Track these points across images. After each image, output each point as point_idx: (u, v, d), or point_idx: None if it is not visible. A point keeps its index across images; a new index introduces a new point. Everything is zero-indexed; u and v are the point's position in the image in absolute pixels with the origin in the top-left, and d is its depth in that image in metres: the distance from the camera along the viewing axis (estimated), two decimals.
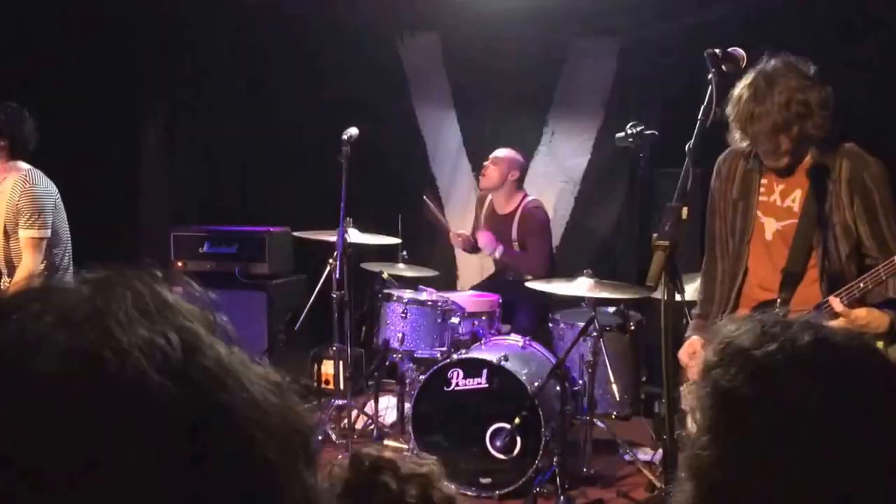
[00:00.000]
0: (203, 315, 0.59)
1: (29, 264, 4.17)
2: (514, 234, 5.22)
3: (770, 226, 2.85)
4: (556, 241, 5.79)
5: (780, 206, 2.84)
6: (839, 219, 2.73)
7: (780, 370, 1.02)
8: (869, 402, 1.00)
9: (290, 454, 0.58)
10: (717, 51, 2.46)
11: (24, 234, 4.17)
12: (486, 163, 5.28)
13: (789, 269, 2.79)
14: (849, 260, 2.75)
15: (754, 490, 0.99)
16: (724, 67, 2.44)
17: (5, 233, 4.21)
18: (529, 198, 5.27)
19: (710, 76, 2.44)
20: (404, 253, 5.11)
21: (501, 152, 5.23)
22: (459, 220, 6.23)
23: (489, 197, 5.37)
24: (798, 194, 2.80)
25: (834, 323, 2.53)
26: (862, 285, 2.60)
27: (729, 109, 2.64)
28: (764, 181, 2.86)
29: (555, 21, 5.71)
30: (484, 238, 5.20)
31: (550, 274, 5.01)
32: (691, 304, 3.17)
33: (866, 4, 4.50)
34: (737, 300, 2.92)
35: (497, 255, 5.17)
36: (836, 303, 2.59)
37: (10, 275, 4.24)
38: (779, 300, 2.80)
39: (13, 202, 4.15)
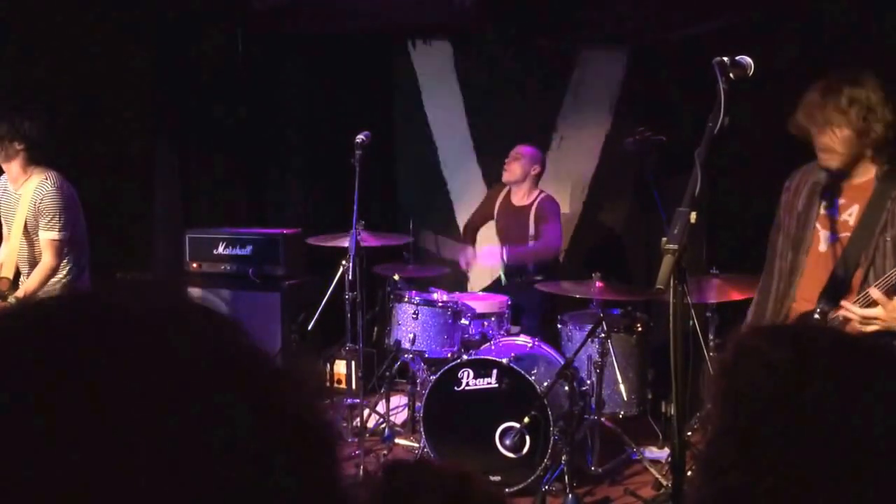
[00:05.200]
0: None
1: (48, 265, 4.25)
2: (531, 228, 5.31)
3: (826, 238, 2.94)
4: (565, 243, 5.86)
5: (836, 219, 2.92)
6: (892, 234, 2.80)
7: (795, 371, 1.02)
8: (885, 402, 1.00)
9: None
10: (725, 59, 2.49)
11: (44, 235, 4.25)
12: (507, 158, 5.40)
13: (833, 281, 2.87)
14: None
15: (768, 490, 0.99)
16: (731, 75, 2.47)
17: (27, 234, 4.30)
18: (544, 193, 5.39)
19: (718, 84, 2.48)
20: (405, 254, 5.20)
21: (524, 148, 5.37)
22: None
23: (506, 188, 5.48)
24: (855, 209, 2.88)
25: (870, 312, 2.65)
26: None
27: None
28: (826, 195, 2.96)
29: (564, 28, 5.78)
30: (485, 254, 5.31)
31: (565, 266, 5.15)
32: (698, 306, 3.24)
33: (867, 14, 4.56)
34: (787, 314, 3.01)
35: (505, 258, 5.24)
36: (874, 291, 2.67)
37: (30, 271, 4.33)
38: (818, 310, 2.86)
39: (35, 204, 4.23)
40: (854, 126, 2.74)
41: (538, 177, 5.39)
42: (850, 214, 2.89)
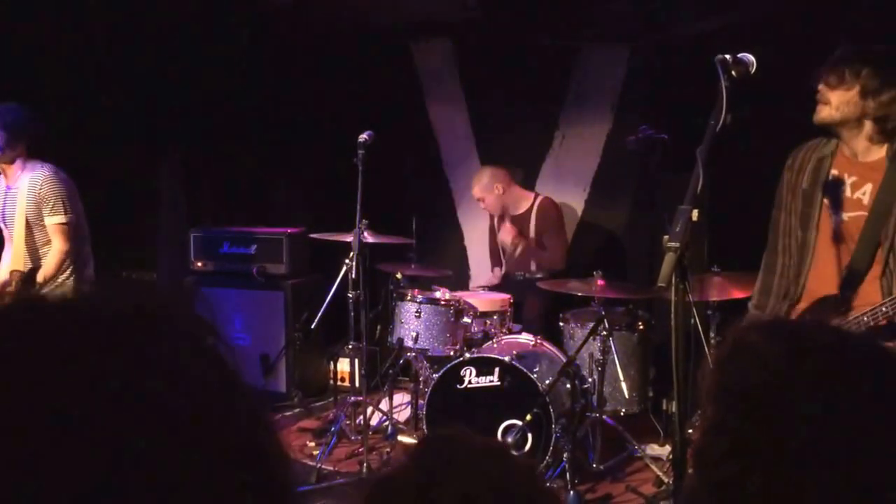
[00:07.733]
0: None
1: (60, 249, 4.29)
2: (532, 232, 5.32)
3: (836, 215, 2.83)
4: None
5: (849, 197, 2.82)
6: None
7: (787, 366, 1.03)
8: (874, 399, 1.00)
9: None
10: (727, 56, 2.48)
11: (50, 221, 4.28)
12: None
13: (853, 266, 2.77)
14: None
15: (760, 483, 0.99)
16: (733, 73, 2.46)
17: (27, 226, 4.32)
18: (542, 196, 5.39)
19: (720, 81, 2.45)
20: (412, 254, 5.23)
21: (475, 189, 5.44)
22: (472, 219, 6.33)
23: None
24: (869, 188, 2.79)
25: None
26: None
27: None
28: (834, 171, 2.86)
29: (566, 26, 5.79)
30: (508, 233, 5.32)
31: (567, 266, 5.19)
32: (699, 304, 3.21)
33: (871, 10, 4.57)
34: (800, 294, 2.92)
35: (519, 251, 5.28)
36: None
37: (34, 264, 4.35)
38: (839, 297, 2.78)
39: (34, 192, 4.24)
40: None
41: (508, 190, 5.39)
42: (864, 193, 2.79)
